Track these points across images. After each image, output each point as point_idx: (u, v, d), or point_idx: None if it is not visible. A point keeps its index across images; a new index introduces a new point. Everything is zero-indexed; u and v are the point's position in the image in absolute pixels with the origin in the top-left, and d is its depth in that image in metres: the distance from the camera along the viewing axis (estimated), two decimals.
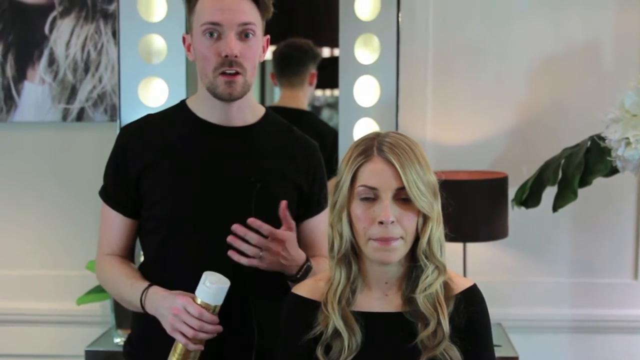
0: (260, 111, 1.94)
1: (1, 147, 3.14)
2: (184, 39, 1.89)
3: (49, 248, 3.16)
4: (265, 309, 1.82)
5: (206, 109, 1.87)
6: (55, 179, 3.12)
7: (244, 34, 1.79)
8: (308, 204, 1.94)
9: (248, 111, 1.89)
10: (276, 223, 1.80)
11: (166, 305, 1.74)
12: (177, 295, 1.74)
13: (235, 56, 1.78)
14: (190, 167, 1.85)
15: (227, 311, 1.75)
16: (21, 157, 3.13)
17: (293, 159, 1.91)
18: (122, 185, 1.88)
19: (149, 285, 1.81)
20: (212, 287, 1.71)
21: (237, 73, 1.79)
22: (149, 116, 1.95)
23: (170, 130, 1.88)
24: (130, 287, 1.83)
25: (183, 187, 1.84)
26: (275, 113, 1.99)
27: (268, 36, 1.89)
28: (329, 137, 2.91)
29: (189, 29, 1.86)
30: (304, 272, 1.83)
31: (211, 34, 1.78)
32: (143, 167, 1.85)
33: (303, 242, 1.93)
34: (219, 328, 1.72)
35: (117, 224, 1.91)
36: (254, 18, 1.81)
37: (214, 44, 1.79)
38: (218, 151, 1.86)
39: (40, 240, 3.15)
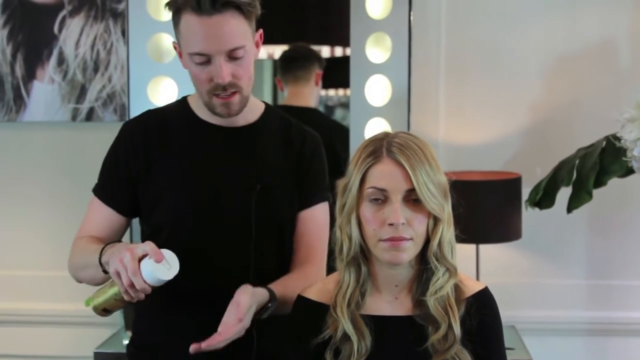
0: (260, 107, 1.92)
1: (11, 147, 3.14)
2: (175, 47, 1.84)
3: (59, 248, 3.11)
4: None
5: (207, 111, 1.84)
6: (65, 179, 3.10)
7: (234, 57, 1.74)
8: (301, 195, 1.87)
9: (248, 110, 1.85)
10: (276, 223, 1.82)
11: (122, 248, 1.64)
12: (135, 247, 1.62)
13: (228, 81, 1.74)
14: (192, 169, 1.83)
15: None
16: (30, 157, 3.13)
17: (293, 154, 1.88)
18: (120, 180, 1.85)
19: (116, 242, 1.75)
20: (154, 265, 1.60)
21: (232, 93, 1.76)
22: (150, 113, 1.92)
23: (172, 131, 1.86)
24: (95, 252, 1.74)
25: (185, 190, 1.82)
26: (274, 107, 1.97)
27: (260, 31, 1.82)
28: (337, 134, 2.89)
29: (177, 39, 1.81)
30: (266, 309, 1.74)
31: (201, 62, 1.74)
32: (144, 167, 1.83)
33: (296, 236, 1.89)
34: (142, 296, 1.63)
35: (105, 217, 1.86)
36: (241, 35, 1.73)
37: (204, 69, 1.74)
38: (219, 153, 1.84)
39: (50, 240, 3.14)
